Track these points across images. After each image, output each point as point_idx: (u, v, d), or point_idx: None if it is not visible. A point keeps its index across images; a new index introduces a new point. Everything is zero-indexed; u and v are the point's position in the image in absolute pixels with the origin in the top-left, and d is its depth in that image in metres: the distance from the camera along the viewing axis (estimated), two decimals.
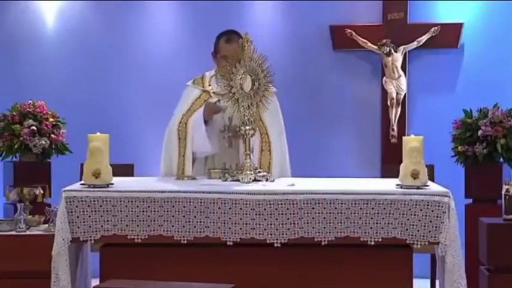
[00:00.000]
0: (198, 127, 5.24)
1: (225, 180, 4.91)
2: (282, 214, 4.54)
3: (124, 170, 6.11)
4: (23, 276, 5.00)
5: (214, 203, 4.56)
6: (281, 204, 4.55)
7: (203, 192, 4.58)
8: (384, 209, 4.54)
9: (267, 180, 4.91)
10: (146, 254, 4.65)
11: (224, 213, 4.55)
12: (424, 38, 7.71)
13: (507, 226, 5.51)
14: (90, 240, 4.60)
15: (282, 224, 4.54)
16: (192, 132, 5.24)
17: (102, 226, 4.58)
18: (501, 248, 5.48)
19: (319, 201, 4.55)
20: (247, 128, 5.00)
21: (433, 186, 4.75)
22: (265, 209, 4.55)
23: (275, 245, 4.55)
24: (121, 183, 4.76)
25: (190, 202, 4.56)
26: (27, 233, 5.12)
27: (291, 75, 7.61)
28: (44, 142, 6.87)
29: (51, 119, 7.01)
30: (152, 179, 5.30)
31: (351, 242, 4.57)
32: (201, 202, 4.56)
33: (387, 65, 7.72)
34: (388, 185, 4.78)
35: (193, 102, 5.38)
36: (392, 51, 7.68)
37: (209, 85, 5.40)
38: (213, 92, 5.34)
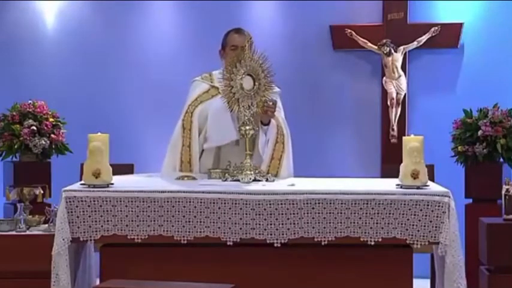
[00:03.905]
0: (222, 114, 5.19)
1: (225, 180, 4.91)
2: (282, 214, 4.54)
3: (124, 170, 6.10)
4: (23, 276, 5.00)
5: (214, 203, 4.55)
6: (281, 204, 4.54)
7: (203, 192, 4.58)
8: (384, 209, 4.54)
9: (267, 180, 4.91)
10: (146, 254, 4.64)
11: (224, 213, 4.55)
12: (424, 38, 7.71)
13: (507, 226, 5.52)
14: (90, 240, 4.60)
15: (282, 224, 4.54)
16: (212, 121, 5.23)
17: (102, 226, 4.57)
18: (501, 248, 5.48)
19: (319, 201, 4.55)
20: (247, 128, 4.99)
21: (433, 186, 4.75)
22: (265, 209, 4.54)
23: (275, 245, 4.54)
24: (121, 182, 4.76)
25: (190, 202, 4.56)
26: (27, 233, 5.12)
27: (291, 75, 7.62)
28: (44, 142, 6.87)
29: (51, 119, 7.02)
30: (153, 177, 5.28)
31: (351, 242, 4.57)
32: (201, 202, 4.56)
33: (387, 65, 7.72)
34: (388, 185, 4.77)
35: (200, 94, 5.38)
36: (392, 51, 7.69)
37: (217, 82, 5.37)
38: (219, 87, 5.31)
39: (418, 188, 4.60)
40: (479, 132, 6.89)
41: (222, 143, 5.29)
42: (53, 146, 6.99)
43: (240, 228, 4.55)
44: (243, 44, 5.07)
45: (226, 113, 5.13)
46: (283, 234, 4.54)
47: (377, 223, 4.54)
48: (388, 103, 7.74)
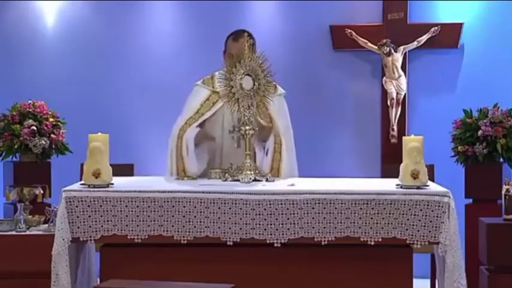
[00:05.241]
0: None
1: (225, 180, 4.91)
2: (282, 214, 4.54)
3: (124, 170, 6.11)
4: (23, 276, 5.00)
5: (214, 203, 4.55)
6: (281, 204, 4.54)
7: (203, 192, 4.58)
8: (384, 209, 4.54)
9: (267, 180, 4.91)
10: (146, 254, 4.64)
11: (224, 213, 4.55)
12: (424, 38, 7.71)
13: (507, 226, 5.51)
14: (90, 240, 4.60)
15: (282, 224, 4.54)
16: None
17: (102, 226, 4.57)
18: (501, 248, 5.48)
19: (319, 201, 4.54)
20: (247, 128, 4.99)
21: (433, 186, 4.75)
22: (265, 209, 4.54)
23: (275, 245, 4.54)
24: (121, 183, 4.76)
25: (190, 202, 4.56)
26: (27, 233, 5.12)
27: (291, 75, 7.61)
28: (44, 142, 6.87)
29: (51, 119, 7.02)
30: (153, 178, 5.29)
31: (351, 242, 4.57)
32: (201, 202, 4.56)
33: (387, 65, 7.72)
34: (388, 185, 4.77)
35: (201, 104, 5.38)
36: (393, 51, 7.68)
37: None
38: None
39: (418, 188, 4.60)
40: (479, 132, 6.89)
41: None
42: (53, 146, 6.99)
43: (240, 228, 4.54)
44: (240, 52, 5.05)
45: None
46: (283, 234, 4.54)
47: (377, 223, 4.54)
48: (388, 103, 7.74)
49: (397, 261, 4.63)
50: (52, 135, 6.95)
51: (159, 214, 4.56)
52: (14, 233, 5.11)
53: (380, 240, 4.55)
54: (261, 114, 5.18)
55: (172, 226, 4.57)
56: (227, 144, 5.31)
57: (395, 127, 7.74)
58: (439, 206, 4.53)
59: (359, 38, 7.77)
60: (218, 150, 5.37)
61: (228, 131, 5.22)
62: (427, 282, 6.45)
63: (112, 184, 4.66)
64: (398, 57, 7.70)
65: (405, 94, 7.75)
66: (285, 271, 4.62)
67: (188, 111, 5.38)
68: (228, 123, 5.31)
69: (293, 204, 4.54)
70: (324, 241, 4.54)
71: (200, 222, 4.56)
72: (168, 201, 4.57)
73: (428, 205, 4.53)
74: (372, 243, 4.55)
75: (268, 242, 4.55)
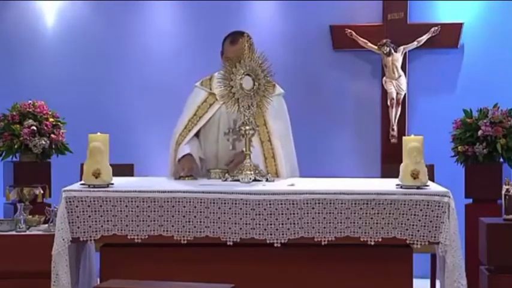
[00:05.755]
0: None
1: (225, 180, 4.91)
2: (282, 214, 4.54)
3: (124, 170, 6.11)
4: (23, 276, 5.00)
5: (214, 203, 4.55)
6: (281, 204, 4.54)
7: (203, 192, 4.58)
8: (384, 209, 4.54)
9: (267, 180, 4.91)
10: (146, 254, 4.65)
11: (224, 213, 4.55)
12: (424, 38, 7.71)
13: (507, 226, 5.51)
14: (90, 240, 4.60)
15: (282, 224, 4.54)
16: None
17: (102, 226, 4.57)
18: (501, 248, 5.48)
19: (319, 201, 4.54)
20: (247, 128, 4.99)
21: (433, 186, 4.75)
22: (265, 209, 4.54)
23: (275, 245, 4.54)
24: (121, 183, 4.76)
25: (190, 202, 4.56)
26: (27, 233, 5.12)
27: (291, 76, 7.61)
28: (44, 142, 6.87)
29: (51, 119, 7.02)
30: (153, 178, 5.29)
31: (351, 242, 4.57)
32: (201, 202, 4.56)
33: (387, 65, 7.72)
34: (388, 185, 4.77)
35: (199, 106, 5.38)
36: (393, 51, 7.68)
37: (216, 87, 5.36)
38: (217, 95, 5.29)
39: (418, 188, 4.60)
40: (479, 132, 6.89)
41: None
42: (53, 146, 6.99)
43: (240, 228, 4.54)
44: (237, 55, 5.05)
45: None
46: (283, 234, 4.54)
47: (377, 223, 4.54)
48: (388, 103, 7.74)
49: (397, 261, 4.63)
50: (52, 135, 6.95)
51: (159, 214, 4.57)
52: (14, 233, 5.11)
53: (380, 240, 4.55)
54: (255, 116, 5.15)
55: (172, 226, 4.57)
56: (222, 147, 5.31)
57: (395, 127, 7.74)
58: (439, 206, 4.53)
59: (359, 38, 7.77)
60: (214, 153, 5.36)
61: (223, 133, 5.22)
62: (427, 282, 6.45)
63: (112, 184, 4.66)
64: (398, 57, 7.70)
65: (405, 94, 7.75)
66: (285, 271, 4.63)
67: (186, 114, 5.39)
68: (224, 125, 5.31)
69: (293, 204, 4.54)
70: (324, 241, 4.54)
71: (200, 222, 4.56)
72: (168, 201, 4.57)
73: (428, 205, 4.53)
74: (372, 243, 4.55)
75: (268, 242, 4.55)
